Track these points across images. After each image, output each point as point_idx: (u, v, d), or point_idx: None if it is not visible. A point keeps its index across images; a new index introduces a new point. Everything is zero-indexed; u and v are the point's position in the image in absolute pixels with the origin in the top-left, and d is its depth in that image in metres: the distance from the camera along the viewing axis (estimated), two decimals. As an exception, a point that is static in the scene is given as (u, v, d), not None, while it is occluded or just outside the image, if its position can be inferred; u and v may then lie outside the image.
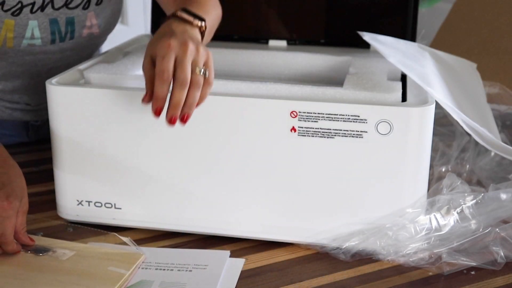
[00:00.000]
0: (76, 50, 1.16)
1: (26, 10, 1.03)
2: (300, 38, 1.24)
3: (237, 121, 0.86)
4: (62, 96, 0.91)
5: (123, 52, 1.14)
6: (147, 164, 0.91)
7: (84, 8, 1.08)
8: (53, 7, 1.05)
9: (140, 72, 0.98)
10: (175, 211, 0.92)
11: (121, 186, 0.93)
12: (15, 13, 1.02)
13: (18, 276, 0.81)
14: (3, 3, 1.01)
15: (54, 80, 0.94)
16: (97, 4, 1.10)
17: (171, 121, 0.80)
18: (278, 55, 1.15)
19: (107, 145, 0.91)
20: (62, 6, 1.06)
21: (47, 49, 1.10)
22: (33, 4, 1.03)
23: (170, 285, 0.81)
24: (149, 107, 0.82)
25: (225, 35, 1.22)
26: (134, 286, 0.81)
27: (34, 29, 1.06)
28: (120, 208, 0.94)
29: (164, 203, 0.92)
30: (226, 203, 0.90)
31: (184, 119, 0.81)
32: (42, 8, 1.04)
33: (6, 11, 1.02)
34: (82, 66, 1.01)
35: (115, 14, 1.17)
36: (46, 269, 0.83)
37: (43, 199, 1.04)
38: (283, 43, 1.24)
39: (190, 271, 0.85)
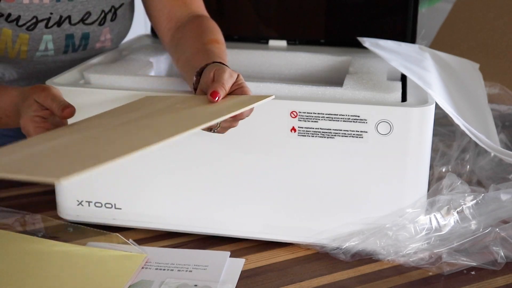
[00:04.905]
0: (86, 59, 1.16)
1: (41, 25, 1.03)
2: (300, 38, 1.24)
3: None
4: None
5: (122, 52, 1.14)
6: (147, 164, 0.91)
7: (100, 24, 1.09)
8: (70, 22, 1.05)
9: (139, 72, 0.98)
10: (175, 211, 0.92)
11: (121, 186, 0.93)
12: (30, 28, 1.03)
13: None
14: (18, 18, 1.01)
15: (54, 80, 0.94)
16: (111, 20, 1.11)
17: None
18: (278, 55, 1.15)
19: (107, 145, 0.91)
20: (78, 22, 1.06)
21: (59, 58, 1.11)
22: (48, 19, 1.03)
23: (170, 285, 0.81)
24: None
25: (225, 35, 1.22)
26: (134, 286, 0.81)
27: (48, 43, 1.06)
28: (120, 208, 0.94)
29: (164, 203, 0.92)
30: (226, 203, 0.90)
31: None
32: (59, 23, 1.04)
33: (21, 26, 1.02)
34: (82, 67, 1.01)
35: (126, 28, 1.18)
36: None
37: (43, 199, 1.04)
38: (283, 43, 1.24)
39: (190, 271, 0.85)
